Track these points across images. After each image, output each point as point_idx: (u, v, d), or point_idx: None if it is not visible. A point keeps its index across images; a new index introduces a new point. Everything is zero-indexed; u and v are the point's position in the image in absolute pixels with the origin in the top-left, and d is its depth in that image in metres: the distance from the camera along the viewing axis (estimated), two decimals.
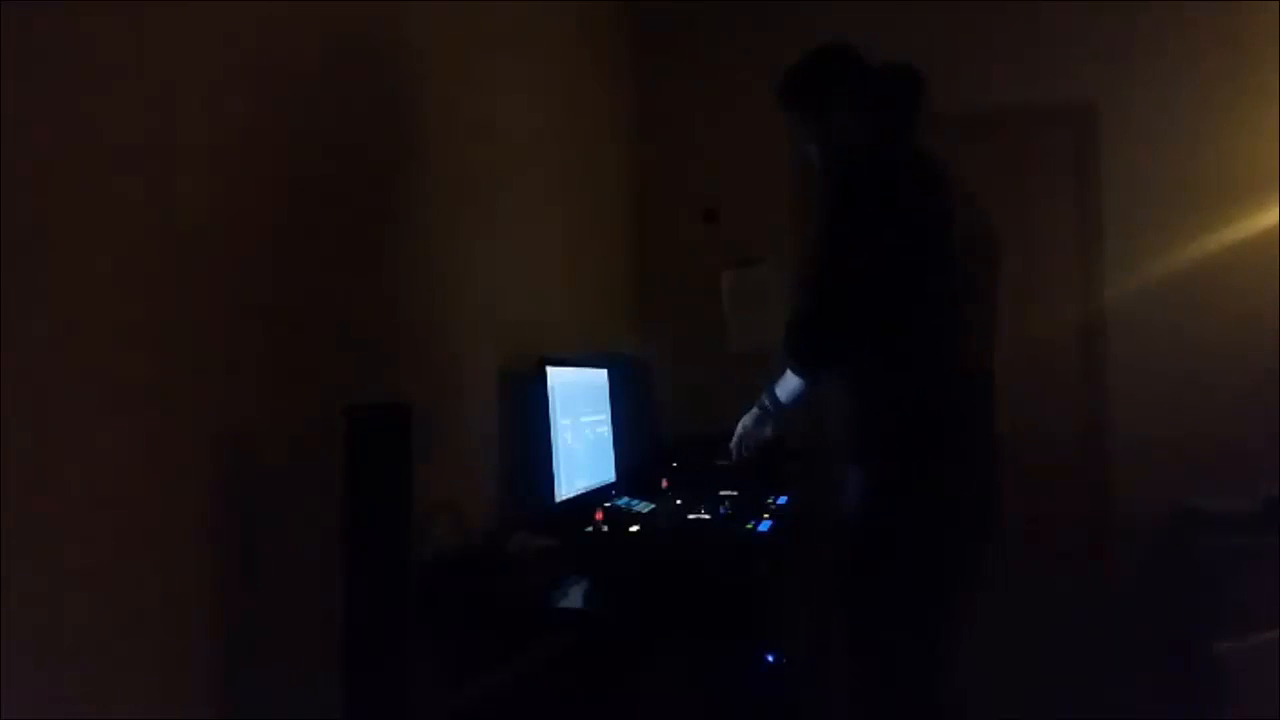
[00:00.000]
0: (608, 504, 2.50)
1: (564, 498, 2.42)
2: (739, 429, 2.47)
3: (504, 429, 2.54)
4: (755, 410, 2.44)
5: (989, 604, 2.32)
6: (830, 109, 2.20)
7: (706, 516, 2.43)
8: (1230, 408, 3.42)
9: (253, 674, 1.60)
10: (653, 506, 2.56)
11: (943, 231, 2.00)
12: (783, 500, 2.66)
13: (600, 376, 2.87)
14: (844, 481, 2.15)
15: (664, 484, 2.89)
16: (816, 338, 2.06)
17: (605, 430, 2.83)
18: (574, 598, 1.98)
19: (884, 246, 1.95)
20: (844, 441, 2.15)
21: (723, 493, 2.70)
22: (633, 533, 2.28)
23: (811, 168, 2.30)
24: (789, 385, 2.29)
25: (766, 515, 2.43)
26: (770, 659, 2.59)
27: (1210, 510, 3.27)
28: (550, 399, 2.43)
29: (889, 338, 2.02)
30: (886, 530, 2.07)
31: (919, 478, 2.07)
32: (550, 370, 2.46)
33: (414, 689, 1.53)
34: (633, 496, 2.67)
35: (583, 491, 2.54)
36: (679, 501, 2.64)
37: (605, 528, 2.28)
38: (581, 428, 2.63)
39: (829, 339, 2.04)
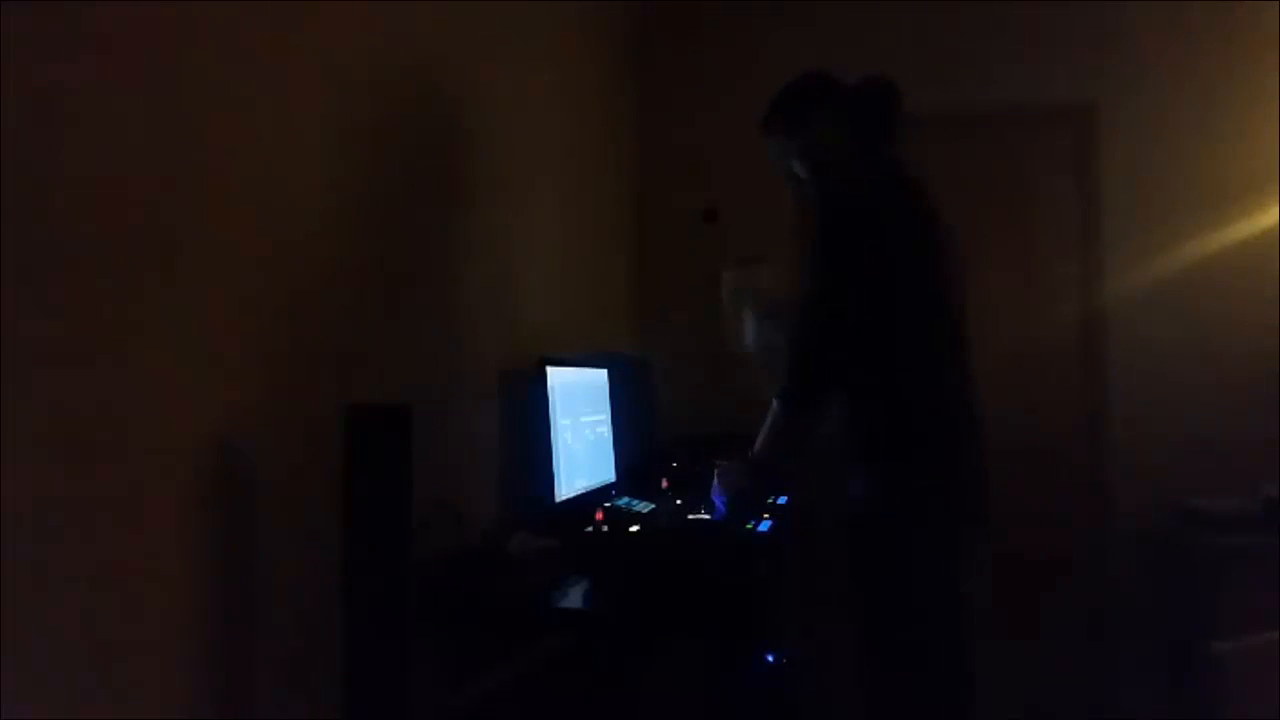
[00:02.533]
0: (608, 504, 2.50)
1: (564, 498, 2.42)
2: (716, 478, 2.34)
3: (504, 429, 2.54)
4: (737, 462, 2.33)
5: (986, 602, 2.32)
6: (811, 124, 2.23)
7: (706, 516, 2.43)
8: (1230, 408, 3.42)
9: (253, 674, 1.60)
10: (653, 506, 2.56)
11: (927, 258, 2.13)
12: (783, 500, 2.66)
13: (600, 376, 2.87)
14: (845, 483, 2.17)
15: (664, 484, 2.89)
16: (805, 390, 2.13)
17: (605, 430, 2.83)
18: (574, 598, 1.98)
19: (868, 288, 2.05)
20: (846, 445, 2.18)
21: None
22: (633, 533, 2.28)
23: (799, 189, 2.30)
24: (771, 438, 2.21)
25: (766, 515, 2.43)
26: (770, 659, 2.59)
27: (1210, 510, 3.26)
28: (550, 399, 2.43)
29: (881, 356, 2.09)
30: (892, 530, 2.09)
31: (922, 478, 2.10)
32: (550, 370, 2.46)
33: (414, 689, 1.53)
34: (633, 496, 2.67)
35: (583, 491, 2.54)
36: (679, 501, 2.64)
37: (605, 528, 2.28)
38: (581, 428, 2.63)
39: (816, 389, 2.13)
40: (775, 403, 2.17)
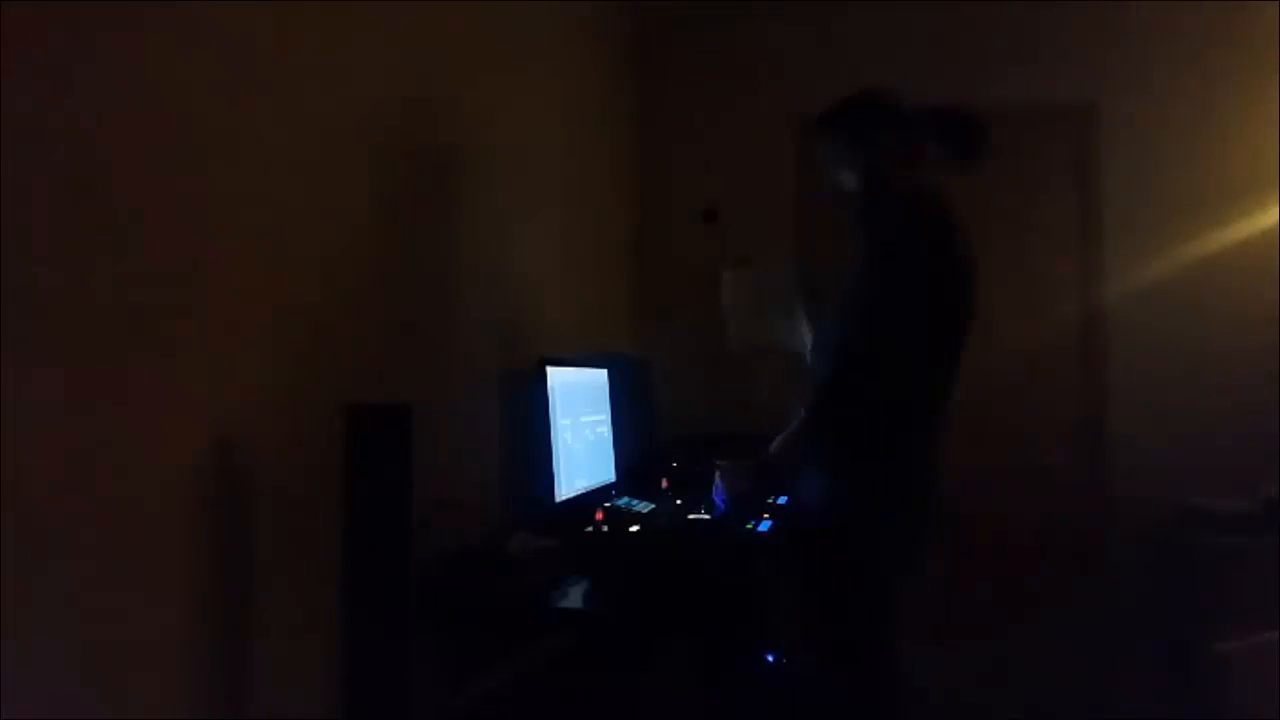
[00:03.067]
0: (608, 504, 2.50)
1: (564, 498, 2.42)
2: (717, 479, 2.29)
3: (504, 429, 2.54)
4: (740, 463, 2.29)
5: (985, 602, 2.32)
6: (878, 139, 2.21)
7: (706, 516, 2.42)
8: (1230, 408, 3.42)
9: (252, 674, 1.60)
10: (653, 506, 2.56)
11: (958, 285, 2.14)
12: (783, 500, 2.66)
13: (600, 376, 2.87)
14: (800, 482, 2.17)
15: (664, 484, 2.89)
16: (843, 409, 2.07)
17: (605, 430, 2.83)
18: (574, 598, 1.98)
19: (914, 311, 2.04)
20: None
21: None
22: (633, 533, 2.28)
23: (839, 200, 2.27)
24: (792, 445, 2.15)
25: (766, 515, 2.43)
26: (770, 659, 2.59)
27: (1210, 510, 3.26)
28: (550, 399, 2.43)
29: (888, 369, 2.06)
30: (836, 532, 2.10)
31: (876, 484, 2.10)
32: (550, 370, 2.46)
33: (414, 689, 1.53)
34: (633, 496, 2.67)
35: (583, 491, 2.54)
36: (679, 501, 2.64)
37: (605, 528, 2.28)
38: (581, 428, 2.63)
39: (852, 409, 2.06)
40: (808, 415, 2.10)
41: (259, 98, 1.66)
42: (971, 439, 2.30)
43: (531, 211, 2.85)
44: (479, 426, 2.46)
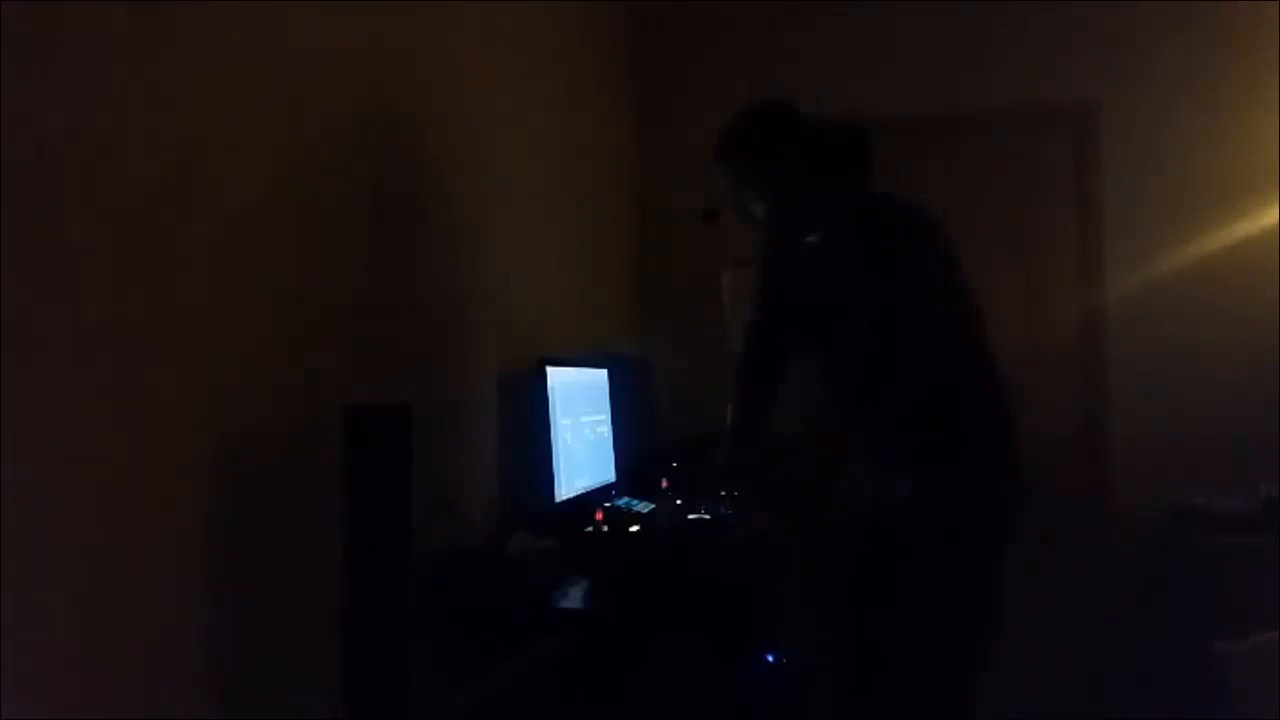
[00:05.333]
0: (608, 504, 2.50)
1: (564, 498, 2.42)
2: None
3: (504, 429, 2.54)
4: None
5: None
6: (777, 158, 2.15)
7: (706, 516, 2.43)
8: (1230, 408, 3.42)
9: (253, 674, 1.60)
10: (653, 506, 2.56)
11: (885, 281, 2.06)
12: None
13: (600, 376, 2.87)
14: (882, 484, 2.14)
15: (664, 484, 2.89)
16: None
17: (605, 430, 2.83)
18: (574, 598, 1.98)
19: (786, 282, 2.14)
20: (885, 447, 2.14)
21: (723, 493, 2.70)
22: (633, 533, 2.28)
23: (751, 223, 2.27)
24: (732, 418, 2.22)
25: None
26: (770, 659, 2.59)
27: (1210, 510, 3.26)
28: (550, 399, 2.43)
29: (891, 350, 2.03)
30: (946, 530, 2.08)
31: (967, 478, 2.09)
32: (550, 370, 2.47)
33: (414, 689, 1.53)
34: (633, 496, 2.67)
35: (583, 491, 2.54)
36: (679, 501, 2.64)
37: (605, 528, 2.28)
38: (581, 428, 2.63)
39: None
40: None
41: (260, 94, 1.66)
42: None
43: (531, 211, 2.85)
44: (479, 426, 2.46)
